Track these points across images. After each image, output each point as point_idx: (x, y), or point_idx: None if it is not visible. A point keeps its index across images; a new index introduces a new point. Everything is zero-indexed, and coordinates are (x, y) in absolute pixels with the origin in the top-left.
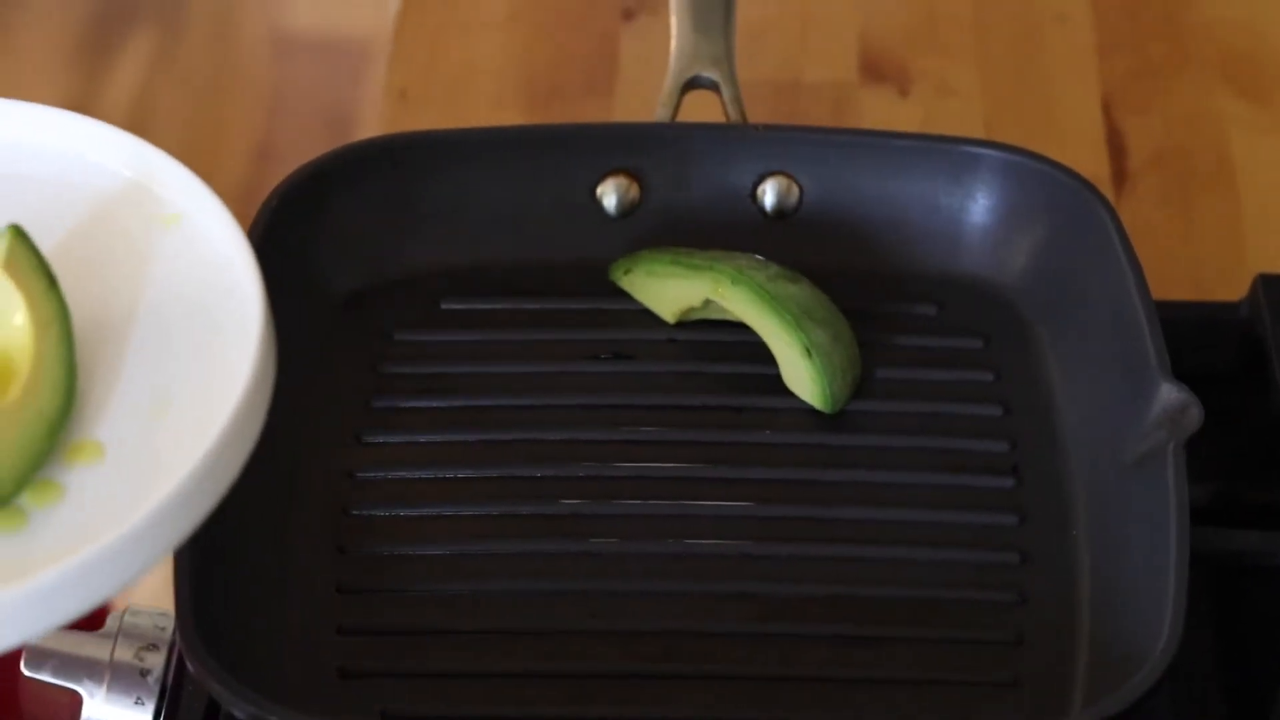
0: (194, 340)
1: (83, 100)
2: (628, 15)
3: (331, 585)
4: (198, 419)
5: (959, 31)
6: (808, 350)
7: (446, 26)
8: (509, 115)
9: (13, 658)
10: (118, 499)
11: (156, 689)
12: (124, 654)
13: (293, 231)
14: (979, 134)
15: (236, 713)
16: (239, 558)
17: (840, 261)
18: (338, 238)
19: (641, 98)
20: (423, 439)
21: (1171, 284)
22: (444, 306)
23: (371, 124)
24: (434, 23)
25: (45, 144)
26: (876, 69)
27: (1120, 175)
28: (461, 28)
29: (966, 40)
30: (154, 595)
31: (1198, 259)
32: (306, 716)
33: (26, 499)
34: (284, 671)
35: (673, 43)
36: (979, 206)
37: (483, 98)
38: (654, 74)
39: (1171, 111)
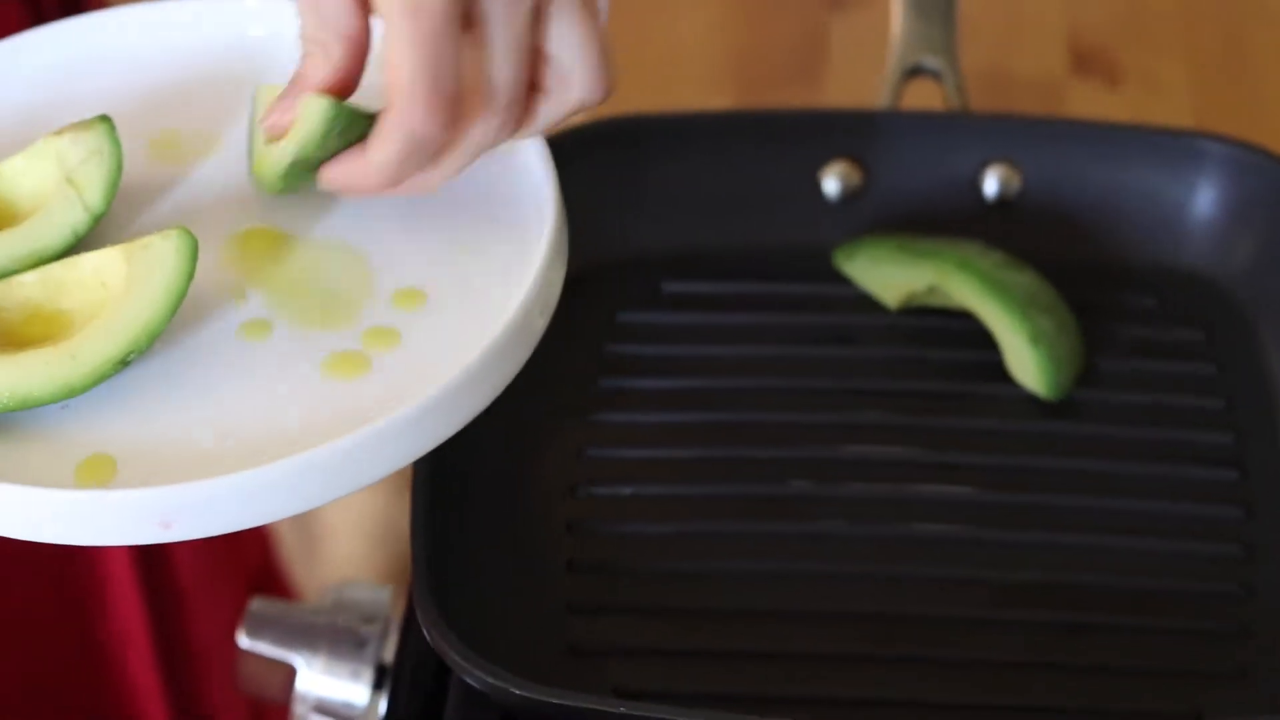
0: (492, 203)
1: None
2: (836, 3)
3: (561, 563)
4: (506, 275)
5: (1167, 25)
6: (1034, 338)
7: (653, 7)
8: (718, 99)
9: (231, 627)
10: (450, 339)
11: (373, 662)
12: (341, 626)
13: None
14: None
15: (473, 683)
16: (472, 536)
17: (1061, 251)
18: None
19: (851, 86)
20: (649, 418)
21: None
22: (666, 288)
23: None
24: (642, 4)
25: None
26: (1085, 62)
27: None
28: (669, 9)
29: (1175, 34)
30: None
31: None
32: (546, 688)
33: (368, 345)
34: (515, 647)
35: (895, 28)
36: (1201, 199)
37: (691, 81)
38: (863, 63)
39: None
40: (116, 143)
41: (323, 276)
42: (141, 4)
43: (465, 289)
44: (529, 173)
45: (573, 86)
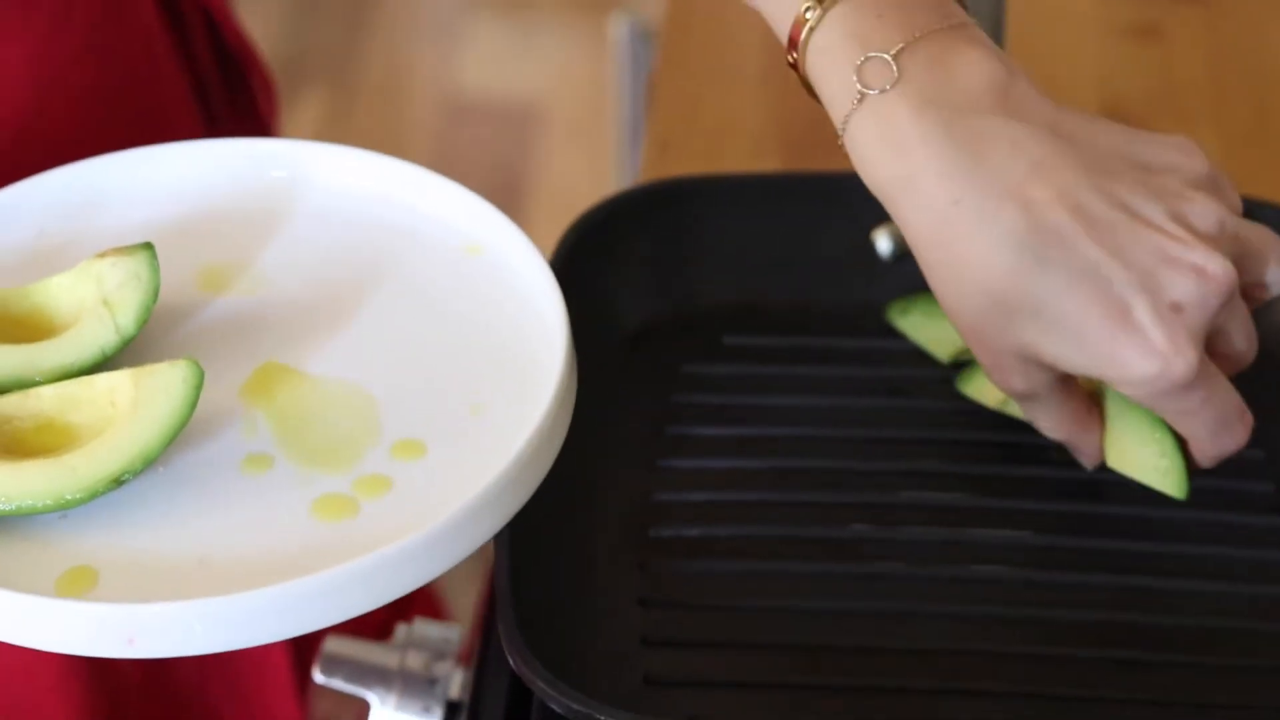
0: (503, 355)
1: None
2: None
3: (634, 599)
4: (510, 423)
5: (1198, 95)
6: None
7: (705, 81)
8: (767, 166)
9: (307, 665)
10: (439, 492)
11: (444, 699)
12: (414, 664)
13: (586, 267)
14: None
15: (558, 709)
16: (550, 573)
17: None
18: (627, 275)
19: None
20: (713, 464)
21: None
22: (727, 341)
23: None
24: (693, 77)
25: (352, 184)
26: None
27: None
28: (720, 82)
29: (1205, 103)
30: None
31: None
32: (628, 714)
33: (358, 491)
34: (593, 679)
35: None
36: None
37: (741, 150)
38: None
39: None
40: (155, 269)
41: (331, 418)
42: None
43: (463, 444)
44: (546, 330)
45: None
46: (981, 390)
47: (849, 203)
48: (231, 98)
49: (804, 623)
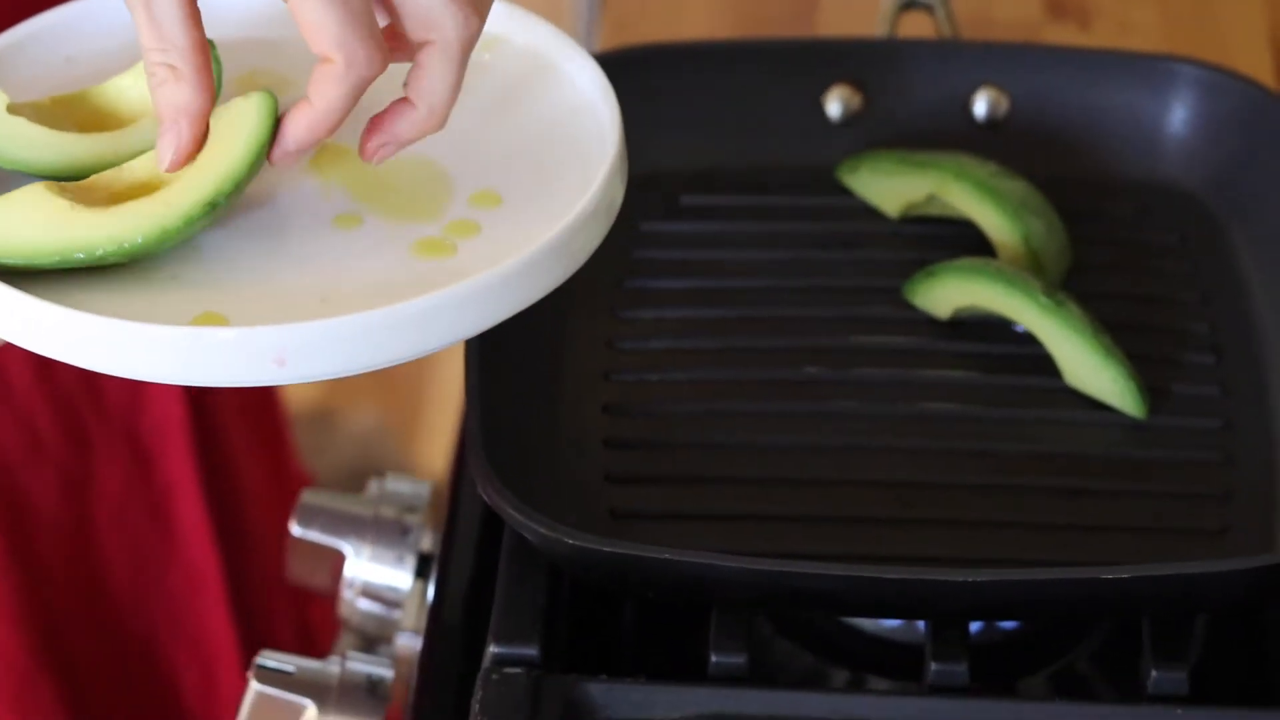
0: (555, 133)
1: None
2: None
3: (598, 440)
4: (573, 185)
5: None
6: (1025, 237)
7: None
8: (720, 35)
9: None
10: (524, 232)
11: (416, 549)
12: (387, 516)
13: None
14: None
15: (529, 536)
16: (517, 418)
17: (1047, 167)
18: None
19: (842, 26)
20: (672, 314)
21: None
22: (684, 201)
23: None
24: None
25: None
26: (1060, 7)
27: None
28: None
29: None
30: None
31: None
32: (598, 538)
33: (450, 234)
34: (561, 512)
35: None
36: (1176, 118)
37: (693, 29)
38: (851, 15)
39: None
40: (218, 60)
41: (404, 181)
42: None
43: (537, 193)
44: (588, 95)
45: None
46: (931, 301)
47: (801, 68)
48: None
49: (761, 458)
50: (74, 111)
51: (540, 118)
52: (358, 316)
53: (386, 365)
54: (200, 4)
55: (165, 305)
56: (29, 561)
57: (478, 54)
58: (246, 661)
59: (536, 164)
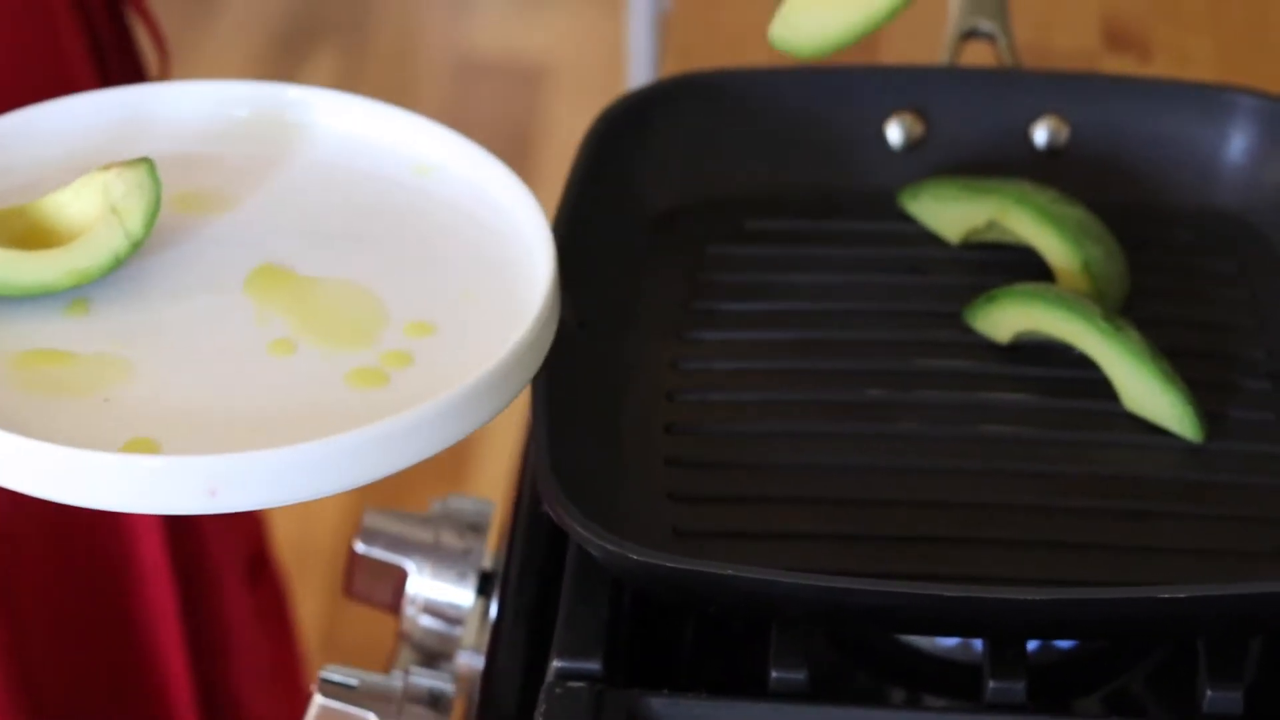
0: (488, 254)
1: None
2: None
3: (661, 459)
4: (507, 313)
5: (1195, 4)
6: (1086, 263)
7: None
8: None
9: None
10: (459, 363)
11: (478, 568)
12: (448, 535)
13: (615, 154)
14: None
15: (594, 552)
16: (582, 438)
17: (1106, 195)
18: (654, 162)
19: (904, 58)
20: (737, 336)
21: None
22: (749, 225)
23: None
24: None
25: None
26: (1118, 40)
27: None
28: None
29: (1202, 12)
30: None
31: None
32: (663, 554)
33: (385, 363)
34: (625, 529)
35: None
36: (1234, 147)
37: (756, 56)
38: (915, 45)
39: None
40: (157, 179)
41: (339, 309)
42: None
43: (470, 323)
44: (522, 223)
45: None
46: (991, 325)
47: (863, 95)
48: (124, 59)
49: (823, 478)
50: (10, 225)
51: (475, 246)
52: (291, 449)
53: (321, 496)
54: (139, 121)
55: (96, 429)
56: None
57: (409, 176)
58: None
59: (470, 293)
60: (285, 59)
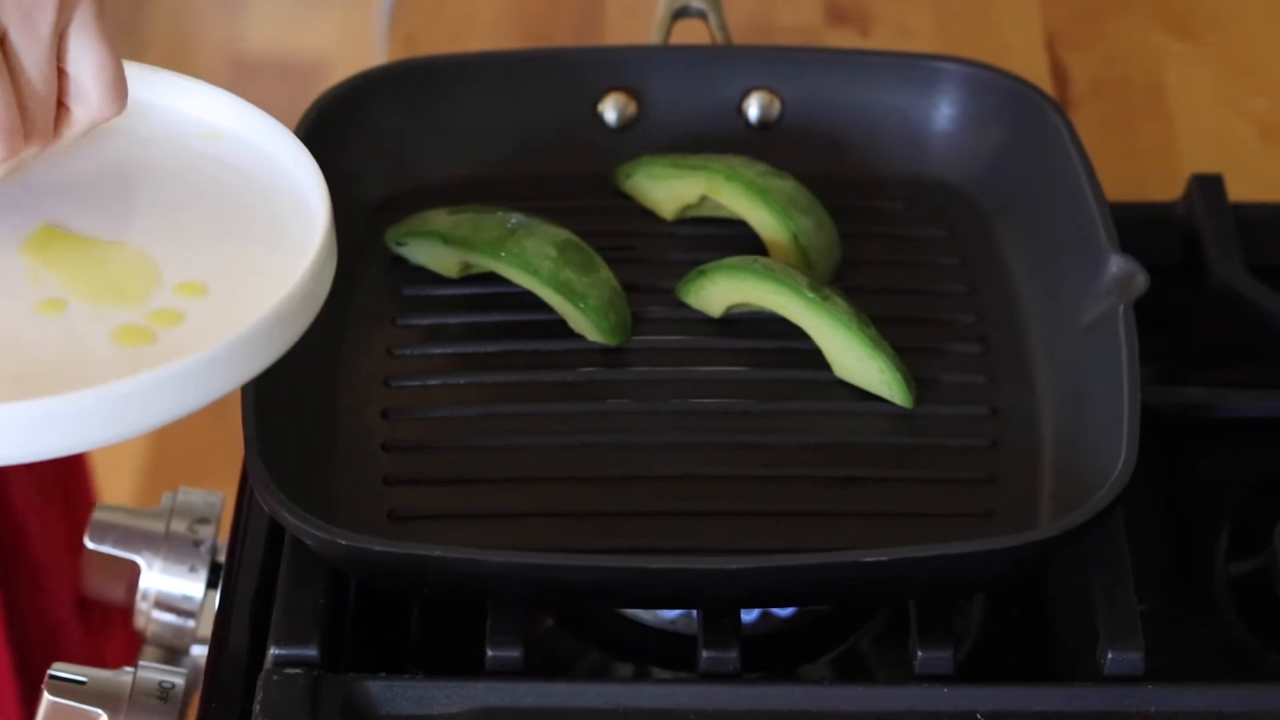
0: (263, 213)
1: None
2: None
3: (377, 445)
4: (278, 276)
5: None
6: (794, 234)
7: None
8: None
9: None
10: (228, 321)
11: (209, 560)
12: (179, 528)
13: (329, 142)
14: None
15: (305, 539)
16: (297, 422)
17: (819, 167)
18: (368, 149)
19: (626, 40)
20: (450, 320)
21: (1113, 194)
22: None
23: None
24: None
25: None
26: (840, 13)
27: (1063, 103)
28: None
29: None
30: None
31: (1137, 176)
32: (370, 538)
33: (153, 322)
34: (340, 515)
35: None
36: (943, 115)
37: (481, 43)
38: (636, 25)
39: (1110, 49)
40: None
41: (112, 269)
42: None
43: (243, 285)
44: (299, 176)
45: (91, 104)
46: (703, 300)
47: (576, 76)
48: None
49: (539, 457)
50: None
51: (257, 210)
52: (43, 401)
53: (76, 450)
54: None
55: None
56: None
57: (199, 141)
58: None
59: (245, 255)
60: None
